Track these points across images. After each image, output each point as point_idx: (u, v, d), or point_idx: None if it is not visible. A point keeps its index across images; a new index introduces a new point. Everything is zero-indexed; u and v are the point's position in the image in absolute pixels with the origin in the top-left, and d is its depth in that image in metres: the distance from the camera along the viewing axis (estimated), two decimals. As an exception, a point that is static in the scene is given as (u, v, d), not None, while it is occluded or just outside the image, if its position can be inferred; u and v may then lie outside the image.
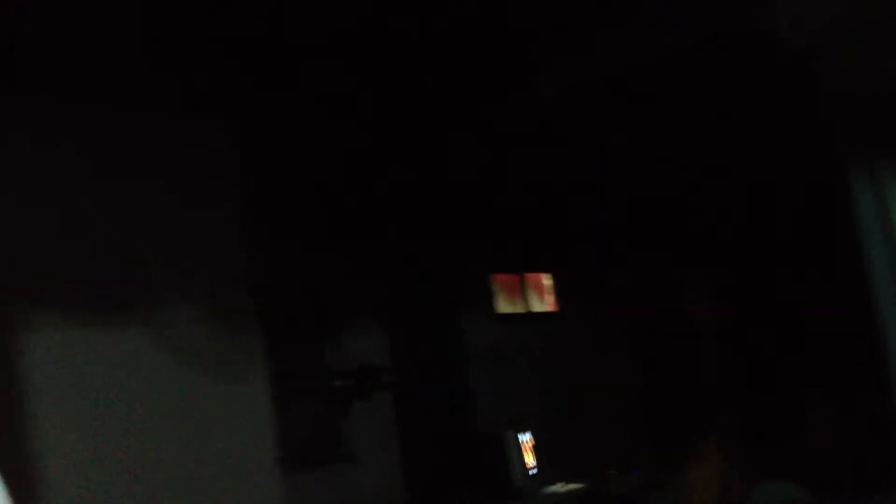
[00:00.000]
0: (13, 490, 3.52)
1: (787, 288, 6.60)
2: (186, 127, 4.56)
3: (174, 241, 4.45)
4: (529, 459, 5.71)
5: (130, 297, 4.26)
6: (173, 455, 4.24)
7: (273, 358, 4.82)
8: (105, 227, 4.19)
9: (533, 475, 5.69)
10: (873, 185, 3.77)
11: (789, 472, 5.15)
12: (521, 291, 6.57)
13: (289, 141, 5.15)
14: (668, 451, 6.06)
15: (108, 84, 4.20)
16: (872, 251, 3.75)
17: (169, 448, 4.26)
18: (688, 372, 7.02)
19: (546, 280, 6.75)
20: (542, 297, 6.73)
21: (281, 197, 5.28)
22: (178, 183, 4.49)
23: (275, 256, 5.16)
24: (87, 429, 3.99)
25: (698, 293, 7.33)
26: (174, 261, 4.44)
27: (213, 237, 4.64)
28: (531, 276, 6.66)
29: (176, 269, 4.45)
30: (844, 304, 5.50)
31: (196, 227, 4.56)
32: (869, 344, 3.84)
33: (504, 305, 6.45)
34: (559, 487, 5.76)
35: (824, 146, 4.04)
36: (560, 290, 6.78)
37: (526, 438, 5.73)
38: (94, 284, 4.12)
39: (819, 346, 6.37)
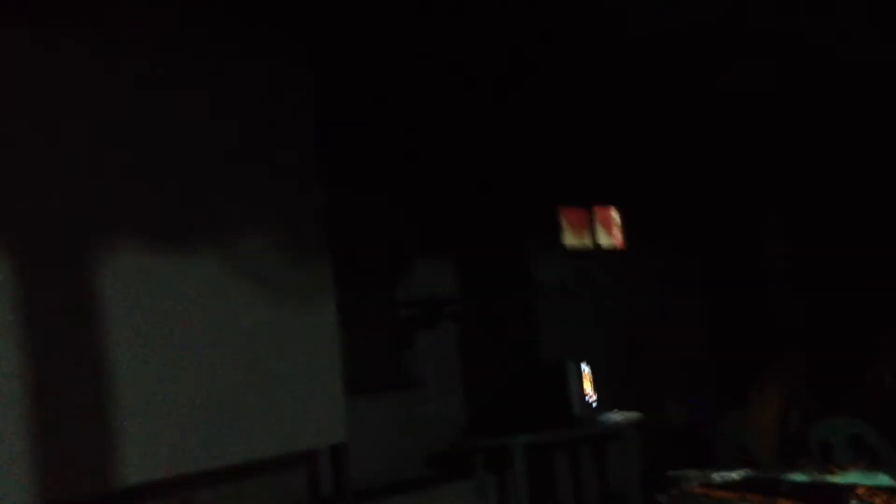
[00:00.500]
0: (93, 420, 3.71)
1: (864, 234, 6.47)
2: (261, 66, 4.58)
3: (246, 172, 4.52)
4: (589, 389, 5.78)
5: (203, 225, 4.36)
6: (243, 381, 4.38)
7: (342, 287, 4.92)
8: (178, 157, 4.27)
9: (592, 404, 5.77)
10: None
11: (852, 408, 5.16)
12: (588, 226, 6.56)
13: (363, 79, 5.15)
14: (731, 383, 6.09)
15: (181, 21, 4.23)
16: None
17: (239, 374, 4.40)
18: (754, 308, 6.97)
19: (615, 214, 6.71)
20: (611, 231, 6.70)
21: (352, 130, 5.31)
22: (252, 118, 4.54)
23: (346, 188, 5.22)
24: (163, 356, 4.12)
25: (769, 233, 7.22)
26: (246, 190, 4.52)
27: (285, 168, 4.71)
28: (600, 211, 6.63)
29: (248, 199, 4.54)
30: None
31: (268, 159, 4.62)
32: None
33: (571, 239, 6.45)
34: (617, 416, 5.84)
35: None
36: (628, 226, 6.74)
37: (586, 369, 5.78)
38: (168, 213, 4.21)
39: (887, 289, 6.27)
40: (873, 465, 2.87)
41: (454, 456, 5.63)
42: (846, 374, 5.85)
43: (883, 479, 2.26)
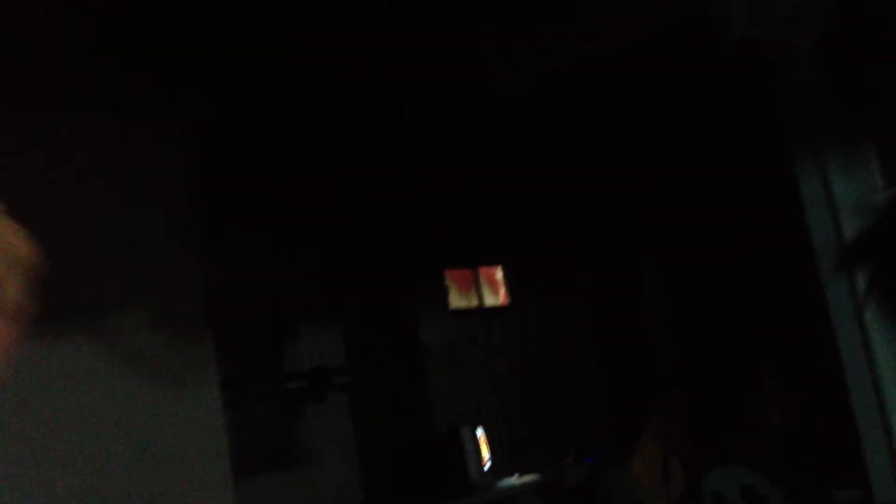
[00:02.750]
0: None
1: (738, 275, 6.68)
2: (130, 129, 4.43)
3: (120, 246, 4.33)
4: (485, 453, 5.72)
5: (72, 304, 4.14)
6: (125, 464, 4.15)
7: (224, 363, 4.74)
8: (48, 231, 4.05)
9: (488, 469, 5.70)
10: (819, 175, 3.82)
11: (742, 454, 5.23)
12: (474, 286, 6.56)
13: (239, 145, 5.05)
14: (620, 439, 6.12)
15: (50, 85, 4.06)
16: (818, 234, 3.81)
17: (120, 457, 4.16)
18: (640, 360, 7.08)
19: (498, 273, 6.75)
20: (496, 290, 6.72)
21: (231, 200, 5.18)
22: (123, 187, 4.37)
23: (225, 260, 5.06)
24: (35, 441, 3.87)
25: (650, 282, 7.38)
26: (121, 266, 4.33)
27: (161, 241, 4.54)
28: (485, 270, 6.65)
29: (123, 275, 4.34)
30: (794, 286, 5.60)
31: (143, 232, 4.45)
32: (820, 325, 3.89)
33: (457, 300, 6.43)
34: (515, 480, 5.78)
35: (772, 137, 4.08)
36: (512, 283, 6.78)
37: (481, 433, 5.73)
38: (39, 292, 3.98)
39: (771, 329, 6.47)
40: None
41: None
42: (732, 419, 5.96)
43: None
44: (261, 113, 4.98)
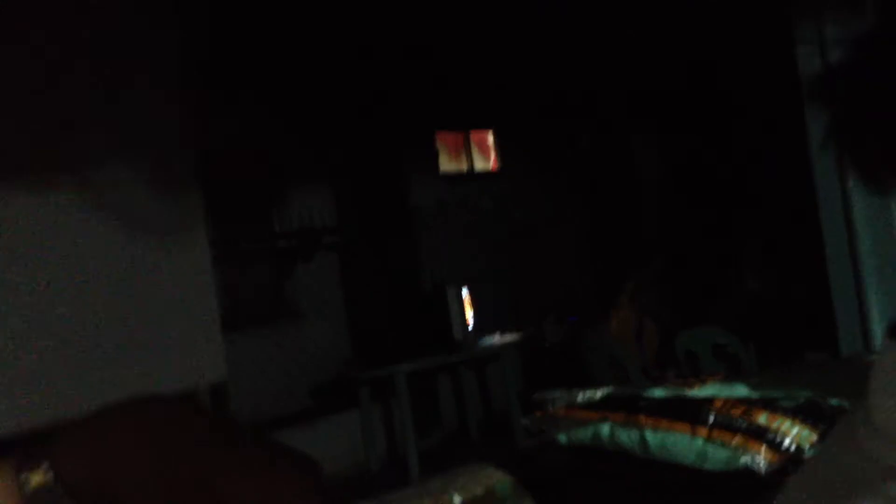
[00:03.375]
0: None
1: (727, 144, 6.65)
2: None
3: (110, 99, 4.29)
4: (469, 313, 5.84)
5: (62, 157, 4.13)
6: (115, 316, 4.23)
7: (215, 220, 4.78)
8: (32, 83, 4.01)
9: (472, 328, 5.83)
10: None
11: (717, 319, 5.35)
12: (464, 150, 6.53)
13: (234, 4, 4.92)
14: (605, 297, 6.24)
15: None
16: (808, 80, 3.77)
17: (110, 309, 4.24)
18: (627, 225, 7.13)
19: (490, 137, 6.71)
20: (486, 154, 6.70)
21: (226, 56, 5.09)
22: (111, 39, 4.28)
23: (218, 119, 5.02)
24: (25, 292, 3.93)
25: (641, 148, 7.35)
26: (111, 120, 4.30)
27: (152, 95, 4.49)
28: (475, 134, 6.61)
29: (112, 128, 4.31)
30: (782, 158, 5.59)
31: (132, 84, 4.39)
32: (804, 196, 3.92)
33: (447, 164, 6.42)
34: (497, 338, 5.92)
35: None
36: (503, 148, 6.75)
37: (465, 293, 5.83)
38: (23, 144, 3.97)
39: (755, 199, 6.49)
40: (732, 375, 2.97)
41: (338, 387, 5.62)
42: (711, 284, 6.06)
43: (740, 390, 2.33)
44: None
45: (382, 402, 5.74)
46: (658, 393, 2.35)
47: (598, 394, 2.40)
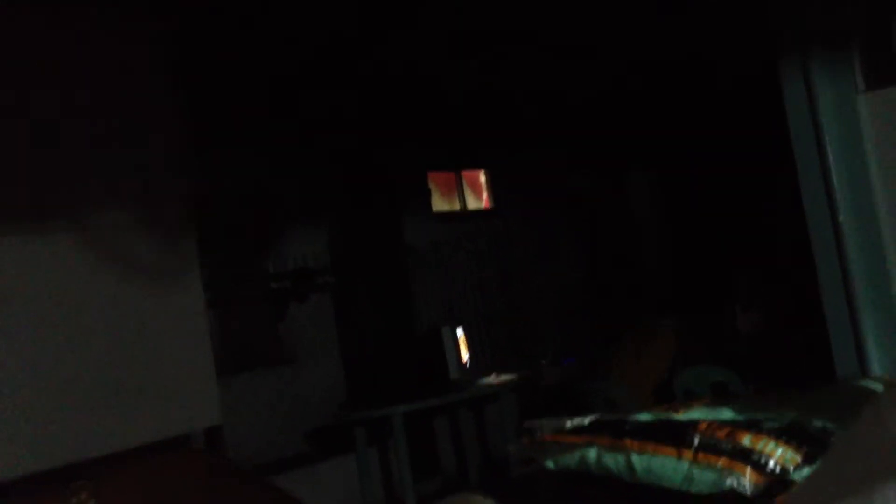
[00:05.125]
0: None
1: (724, 184, 6.70)
2: (116, 22, 4.37)
3: (104, 143, 4.33)
4: (465, 353, 5.83)
5: (60, 201, 4.16)
6: (108, 368, 4.22)
7: (209, 262, 4.79)
8: (30, 129, 4.05)
9: (469, 368, 5.81)
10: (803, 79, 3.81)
11: (715, 357, 5.34)
12: (457, 189, 6.58)
13: (226, 41, 4.99)
14: (599, 343, 6.24)
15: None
16: (799, 143, 3.81)
17: (104, 355, 4.24)
18: (624, 266, 7.15)
19: (482, 177, 6.76)
20: (479, 194, 6.75)
21: (218, 99, 5.16)
22: (109, 86, 4.34)
23: (212, 161, 5.07)
24: (20, 339, 3.92)
25: (637, 191, 7.40)
26: (105, 165, 4.33)
27: (146, 139, 4.53)
28: (468, 174, 6.66)
29: (107, 174, 4.35)
30: (777, 195, 5.63)
31: (127, 129, 4.44)
32: (800, 232, 3.94)
33: (440, 203, 6.46)
34: (493, 379, 5.90)
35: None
36: (495, 188, 6.79)
37: (461, 334, 5.82)
38: (20, 190, 4.00)
39: (750, 240, 6.52)
40: (717, 399, 2.96)
41: (335, 430, 5.59)
42: (710, 325, 6.05)
43: (725, 413, 2.33)
44: (246, 15, 4.90)
45: (379, 445, 5.70)
46: (644, 417, 2.34)
47: (586, 420, 2.40)
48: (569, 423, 2.37)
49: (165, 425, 4.47)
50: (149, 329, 4.43)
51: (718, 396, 4.45)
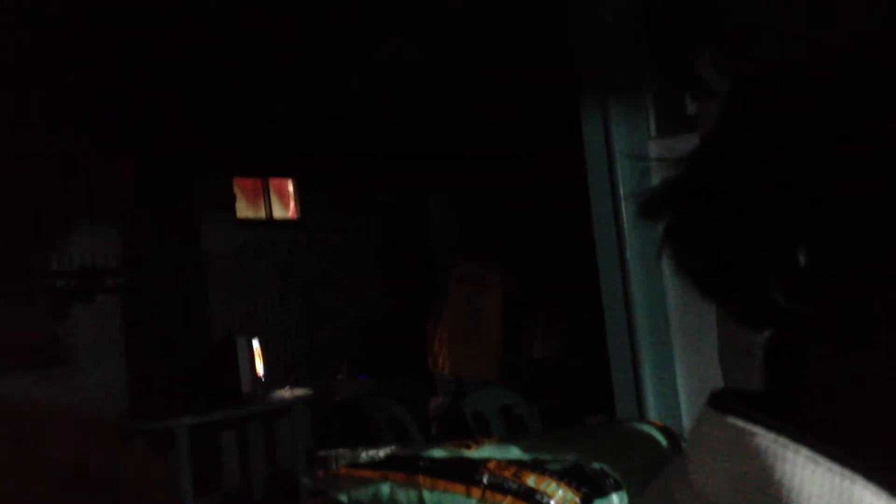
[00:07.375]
0: None
1: (522, 204, 6.92)
2: None
3: None
4: (259, 365, 5.72)
5: None
6: None
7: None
8: None
9: (263, 381, 5.71)
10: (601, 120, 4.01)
11: (507, 381, 5.53)
12: (263, 196, 6.45)
13: (31, 34, 4.65)
14: (395, 359, 6.30)
15: None
16: (594, 178, 4.01)
17: None
18: (424, 283, 7.25)
19: (289, 186, 6.67)
20: (286, 202, 6.65)
21: (11, 82, 4.79)
22: None
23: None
24: None
25: (438, 209, 7.53)
26: None
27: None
28: (275, 182, 6.55)
29: None
30: (571, 227, 5.89)
31: None
32: (591, 266, 4.12)
33: (245, 210, 6.32)
34: (287, 392, 5.82)
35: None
36: (303, 197, 6.72)
37: (256, 345, 5.71)
38: None
39: (549, 266, 6.78)
40: (508, 436, 3.08)
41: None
42: (503, 345, 6.24)
43: (513, 452, 2.42)
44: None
45: (162, 456, 5.48)
46: (437, 453, 2.39)
47: (381, 453, 2.42)
48: (364, 455, 2.39)
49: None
50: None
51: (509, 427, 4.62)
